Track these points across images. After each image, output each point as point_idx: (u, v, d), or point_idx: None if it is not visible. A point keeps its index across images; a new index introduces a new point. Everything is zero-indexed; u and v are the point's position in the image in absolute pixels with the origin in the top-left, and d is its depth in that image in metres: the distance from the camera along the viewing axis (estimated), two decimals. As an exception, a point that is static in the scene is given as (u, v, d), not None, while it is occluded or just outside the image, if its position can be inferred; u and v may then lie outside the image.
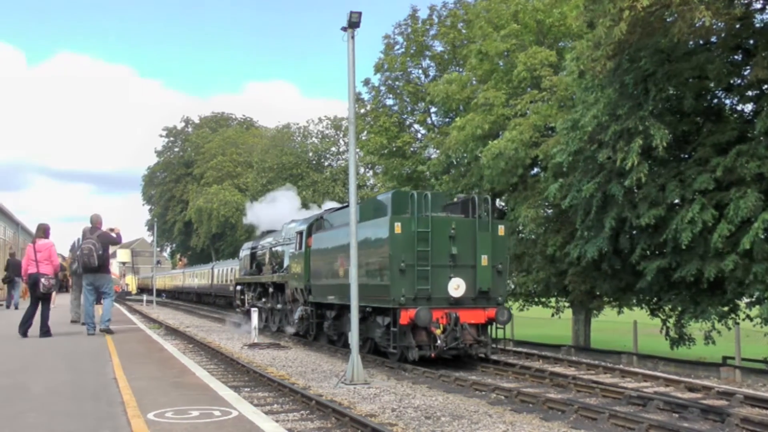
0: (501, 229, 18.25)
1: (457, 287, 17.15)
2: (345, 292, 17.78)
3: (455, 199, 19.99)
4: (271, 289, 28.01)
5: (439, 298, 17.07)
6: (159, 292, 72.18)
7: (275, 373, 15.84)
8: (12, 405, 7.31)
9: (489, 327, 18.12)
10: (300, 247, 23.63)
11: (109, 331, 16.65)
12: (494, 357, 18.72)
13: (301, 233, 23.71)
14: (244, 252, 33.93)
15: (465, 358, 18.73)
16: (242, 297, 32.49)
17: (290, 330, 25.32)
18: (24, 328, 15.96)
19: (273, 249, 28.31)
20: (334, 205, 29.41)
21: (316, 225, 23.20)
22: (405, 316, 16.58)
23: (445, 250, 17.26)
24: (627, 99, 19.80)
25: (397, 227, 16.86)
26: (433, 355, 16.85)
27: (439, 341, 16.73)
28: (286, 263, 26.00)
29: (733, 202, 17.19)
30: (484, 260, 17.49)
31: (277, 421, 8.40)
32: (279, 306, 26.89)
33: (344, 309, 19.26)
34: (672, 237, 18.46)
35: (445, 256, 17.24)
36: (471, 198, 18.54)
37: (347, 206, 18.82)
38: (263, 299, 29.13)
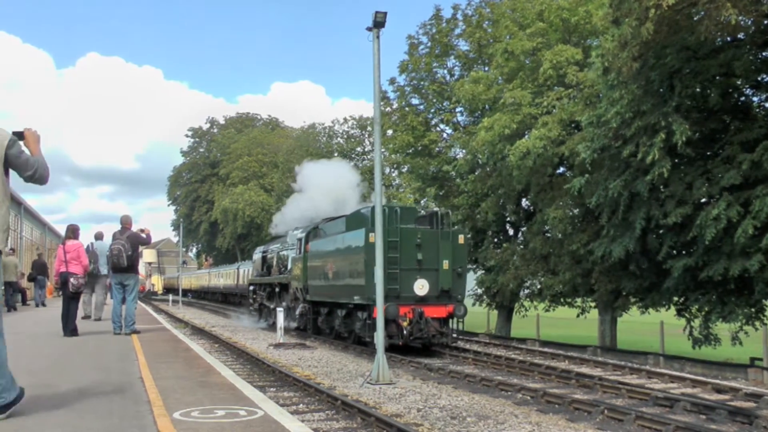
0: (461, 238, 21.35)
1: (422, 287, 20.13)
2: (333, 292, 22.81)
3: (423, 213, 22.63)
4: (277, 289, 30.85)
5: (406, 296, 19.96)
6: (185, 292, 72.41)
7: (301, 373, 15.86)
8: (39, 403, 7.35)
9: (450, 320, 20.98)
10: (300, 252, 26.59)
11: (135, 331, 16.74)
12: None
13: (300, 240, 26.77)
14: (257, 255, 36.57)
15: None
16: (254, 296, 35.61)
17: (293, 325, 27.69)
18: (63, 325, 16.09)
19: (280, 253, 31.22)
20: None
21: (313, 233, 26.33)
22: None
23: (412, 255, 20.28)
24: (652, 96, 19.68)
25: (371, 237, 18.84)
26: (400, 343, 19.74)
27: (405, 332, 19.52)
28: (289, 266, 28.92)
29: (759, 199, 17.04)
30: (446, 264, 20.52)
31: (302, 421, 8.39)
32: (284, 304, 28.71)
33: (334, 306, 23.50)
34: (698, 234, 18.35)
35: (412, 260, 20.27)
36: (435, 212, 21.88)
37: (339, 218, 24.61)
38: (271, 298, 31.83)
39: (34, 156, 6.52)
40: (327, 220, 26.80)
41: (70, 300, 16.31)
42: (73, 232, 17.13)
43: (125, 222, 16.80)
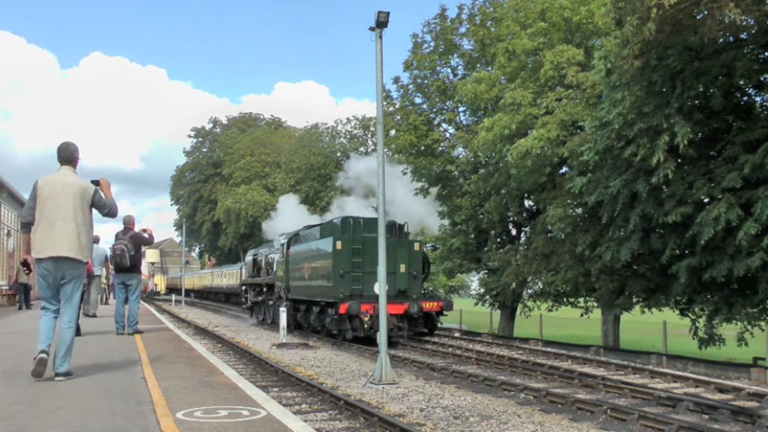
0: (416, 246, 25.46)
1: None
2: (309, 292, 26.48)
3: (387, 223, 23.86)
4: (265, 289, 34.32)
5: (368, 295, 23.14)
6: (187, 292, 72.43)
7: (304, 373, 15.89)
8: (42, 404, 7.36)
9: (406, 317, 24.02)
10: (282, 256, 30.07)
11: (138, 331, 16.74)
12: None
13: (283, 245, 30.21)
14: (248, 258, 39.91)
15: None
16: (246, 295, 39.32)
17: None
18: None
19: (268, 256, 34.25)
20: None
21: (294, 239, 29.91)
22: (343, 308, 22.87)
23: (374, 260, 21.09)
24: (654, 97, 19.63)
25: (338, 245, 23.71)
26: (362, 335, 22.94)
27: (366, 326, 22.72)
28: (274, 268, 32.22)
29: (761, 201, 17.00)
30: (402, 268, 24.02)
31: (305, 421, 8.39)
32: (270, 302, 32.87)
33: (310, 304, 26.88)
34: (697, 233, 18.30)
35: (373, 265, 21.29)
36: (394, 223, 25.57)
37: (315, 226, 28.59)
38: (260, 297, 35.28)
39: (107, 198, 9.52)
40: (307, 227, 30.49)
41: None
42: None
43: (128, 222, 16.76)
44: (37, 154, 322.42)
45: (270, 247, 34.90)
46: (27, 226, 9.41)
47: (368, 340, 22.85)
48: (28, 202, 9.35)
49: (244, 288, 40.59)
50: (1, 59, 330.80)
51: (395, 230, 25.13)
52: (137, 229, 16.91)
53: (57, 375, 9.07)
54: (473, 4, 34.93)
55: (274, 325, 30.61)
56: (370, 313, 22.59)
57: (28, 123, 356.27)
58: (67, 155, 9.37)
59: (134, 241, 16.39)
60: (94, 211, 9.47)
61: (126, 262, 16.17)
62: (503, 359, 19.70)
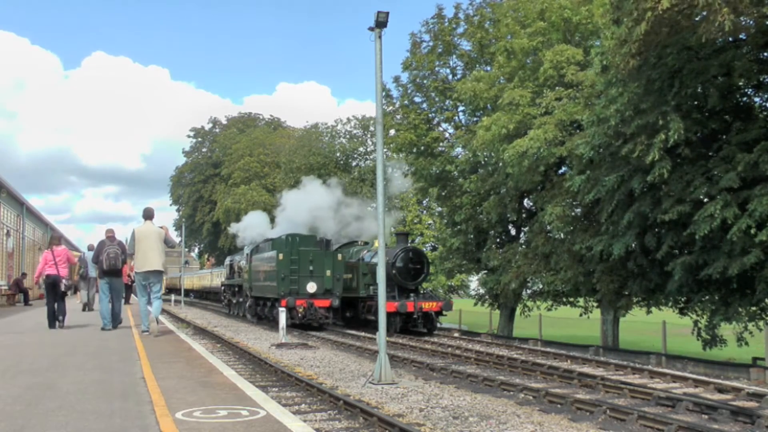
0: (339, 256, 31.98)
1: (312, 287, 30.13)
2: (263, 291, 32.97)
3: (318, 239, 33.06)
4: (236, 289, 41.45)
5: (302, 293, 29.99)
6: (187, 292, 72.30)
7: (303, 372, 15.86)
8: (42, 404, 7.36)
9: (331, 309, 30.75)
10: (247, 262, 36.58)
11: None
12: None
13: (248, 254, 36.79)
14: (226, 262, 46.87)
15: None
16: (224, 294, 46.71)
17: (248, 316, 36.83)
18: (52, 320, 18.60)
19: (239, 262, 40.60)
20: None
21: (255, 249, 36.00)
22: (283, 302, 28.11)
23: (307, 267, 30.54)
24: (652, 94, 19.60)
25: (281, 256, 30.31)
26: (297, 322, 29.21)
27: (300, 315, 29.25)
28: (243, 272, 38.41)
29: (757, 199, 16.98)
30: (328, 273, 30.80)
31: (305, 421, 8.39)
32: (240, 299, 39.83)
33: (265, 300, 33.15)
34: (694, 232, 18.29)
35: (306, 270, 30.48)
36: (323, 238, 33.17)
37: (269, 240, 34.78)
38: (235, 296, 42.28)
39: (169, 237, 13.76)
40: (265, 240, 36.01)
41: (60, 299, 18.80)
42: (58, 239, 20.54)
43: (110, 233, 18.78)
44: (39, 154, 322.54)
45: (241, 254, 40.84)
46: (131, 256, 16.68)
47: (303, 326, 29.88)
48: (130, 242, 16.80)
49: (223, 288, 47.93)
50: (5, 60, 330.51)
51: (323, 244, 32.52)
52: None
53: (143, 331, 16.29)
54: (470, 5, 34.97)
55: (245, 318, 37.91)
56: (304, 306, 29.41)
57: (31, 123, 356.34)
58: (150, 214, 16.79)
59: (122, 248, 18.45)
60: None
61: (119, 264, 18.21)
62: (502, 359, 19.68)
